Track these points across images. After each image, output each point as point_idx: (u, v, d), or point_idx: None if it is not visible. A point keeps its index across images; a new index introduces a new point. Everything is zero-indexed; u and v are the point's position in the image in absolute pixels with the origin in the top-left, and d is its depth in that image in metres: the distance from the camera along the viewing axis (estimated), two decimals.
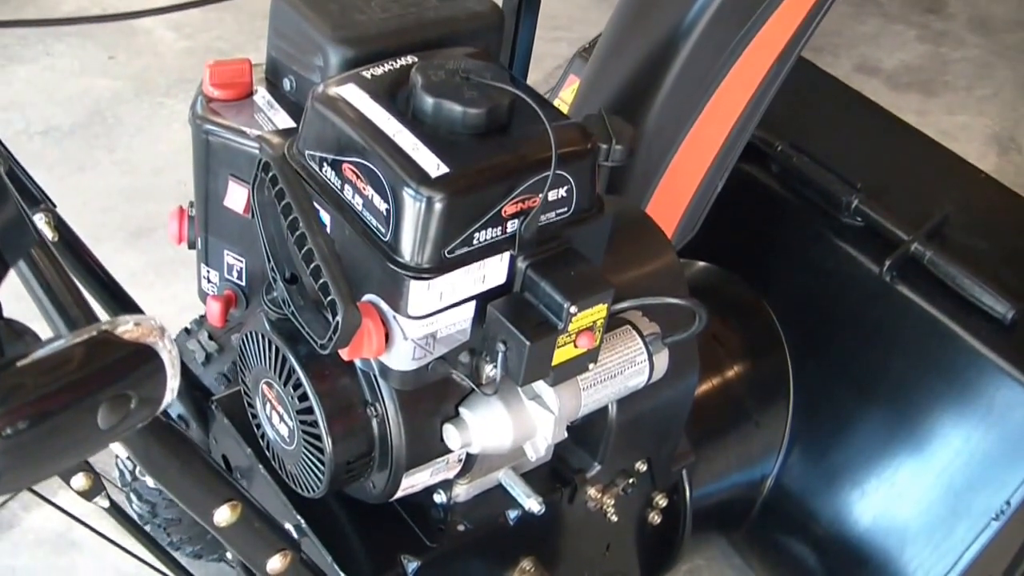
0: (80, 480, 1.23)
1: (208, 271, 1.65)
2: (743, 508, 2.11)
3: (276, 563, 1.17)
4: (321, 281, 1.24)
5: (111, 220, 3.22)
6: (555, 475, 1.68)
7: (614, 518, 1.74)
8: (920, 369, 1.90)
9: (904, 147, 2.21)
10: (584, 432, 1.64)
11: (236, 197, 1.52)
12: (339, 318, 1.22)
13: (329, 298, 1.23)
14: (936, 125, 3.77)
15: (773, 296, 2.11)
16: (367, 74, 1.35)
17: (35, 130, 3.55)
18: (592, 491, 1.69)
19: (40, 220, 1.50)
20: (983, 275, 1.85)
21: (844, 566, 2.01)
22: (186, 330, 2.06)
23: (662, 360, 1.50)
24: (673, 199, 1.90)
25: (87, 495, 1.21)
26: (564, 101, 2.25)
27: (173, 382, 0.78)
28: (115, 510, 1.25)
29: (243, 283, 1.62)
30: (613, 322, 1.48)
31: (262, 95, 1.55)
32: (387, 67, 1.37)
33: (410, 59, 1.38)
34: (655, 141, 1.84)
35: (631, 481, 1.72)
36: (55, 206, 1.54)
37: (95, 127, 3.57)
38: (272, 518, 1.17)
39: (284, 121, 1.49)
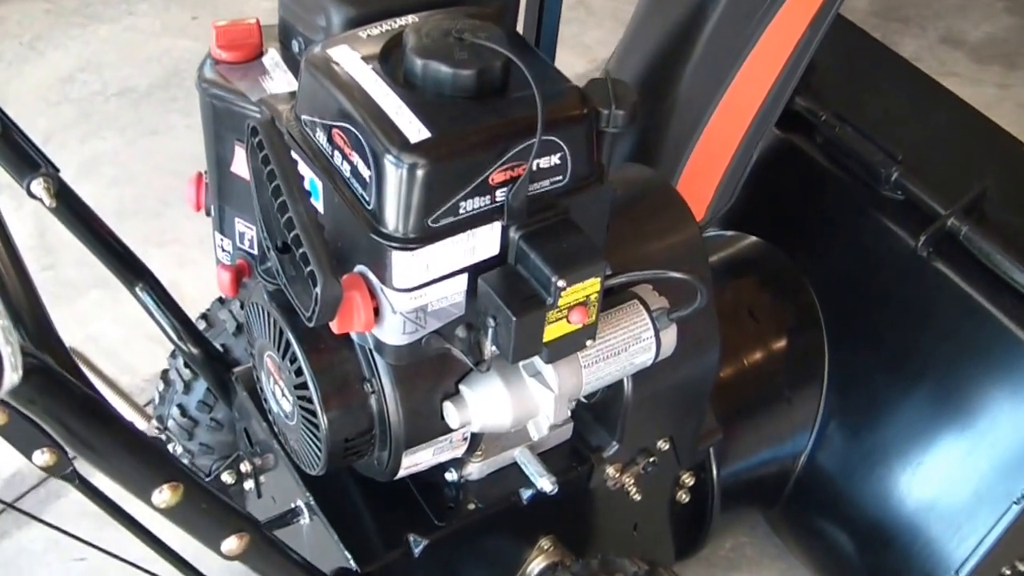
0: (43, 456, 1.17)
1: (222, 239, 1.62)
2: (775, 486, 2.04)
3: (232, 543, 1.13)
4: (301, 251, 1.20)
5: (181, 185, 3.20)
6: (573, 453, 1.63)
7: (637, 497, 1.69)
8: (953, 347, 1.83)
9: (951, 119, 2.10)
10: (602, 410, 1.59)
11: (243, 163, 1.49)
12: (318, 290, 1.18)
13: (309, 269, 1.19)
14: (1016, 98, 3.63)
15: (811, 269, 2.03)
16: (363, 35, 1.31)
17: (111, 91, 3.54)
18: (611, 470, 1.64)
19: (38, 186, 1.47)
20: (1018, 252, 1.76)
21: (872, 546, 1.94)
22: (219, 299, 2.04)
23: (669, 337, 1.44)
24: (708, 168, 1.83)
25: (52, 471, 1.17)
26: None
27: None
28: (84, 486, 1.21)
29: (255, 251, 1.59)
30: (620, 296, 1.43)
31: (271, 57, 1.51)
32: (384, 28, 1.32)
33: (411, 19, 1.33)
34: (687, 109, 1.78)
35: (652, 460, 1.67)
36: (57, 170, 1.51)
37: (172, 89, 3.55)
38: (224, 499, 1.13)
39: (290, 84, 1.45)
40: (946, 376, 1.84)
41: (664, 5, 1.82)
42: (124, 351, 2.77)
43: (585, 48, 3.73)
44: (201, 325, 1.99)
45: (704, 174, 1.83)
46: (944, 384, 1.84)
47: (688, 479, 1.78)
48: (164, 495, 1.03)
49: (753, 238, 2.13)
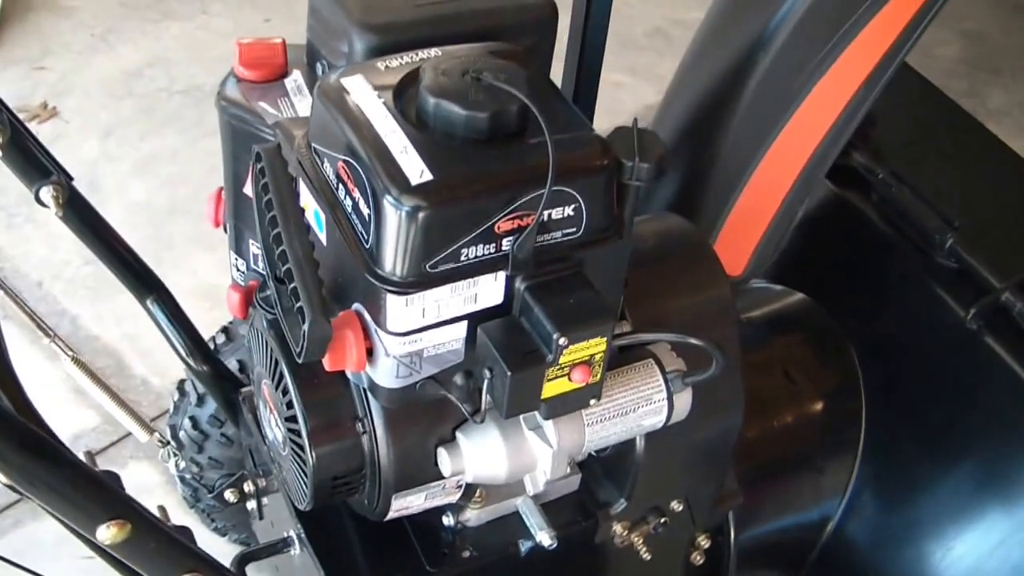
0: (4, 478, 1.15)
1: (236, 259, 1.59)
2: (798, 554, 1.97)
3: None
4: (292, 286, 1.15)
5: None
6: (579, 507, 1.56)
7: (647, 556, 1.62)
8: (1002, 429, 1.75)
9: (1017, 188, 2.01)
10: (613, 465, 1.53)
11: None
12: (305, 327, 1.13)
13: (299, 304, 1.14)
14: None
15: (854, 332, 1.95)
16: (381, 65, 1.25)
17: (176, 88, 3.55)
18: (618, 527, 1.57)
19: (47, 193, 1.43)
20: None
21: None
22: None
23: (683, 400, 1.37)
24: (751, 222, 1.76)
25: (15, 488, 1.14)
26: None
27: None
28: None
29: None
30: (635, 353, 1.36)
31: (294, 79, 1.47)
32: (405, 60, 1.26)
33: (434, 52, 1.27)
34: (732, 159, 1.71)
35: (663, 520, 1.59)
36: (71, 179, 1.47)
37: None
38: (179, 539, 1.08)
39: (309, 108, 1.41)
40: (991, 457, 1.76)
41: (711, 53, 1.76)
42: (159, 352, 2.76)
43: (659, 78, 3.67)
44: (221, 338, 1.96)
45: (746, 227, 1.76)
46: (989, 466, 1.76)
47: (704, 541, 1.70)
48: (109, 532, 0.99)
49: (800, 295, 2.05)
